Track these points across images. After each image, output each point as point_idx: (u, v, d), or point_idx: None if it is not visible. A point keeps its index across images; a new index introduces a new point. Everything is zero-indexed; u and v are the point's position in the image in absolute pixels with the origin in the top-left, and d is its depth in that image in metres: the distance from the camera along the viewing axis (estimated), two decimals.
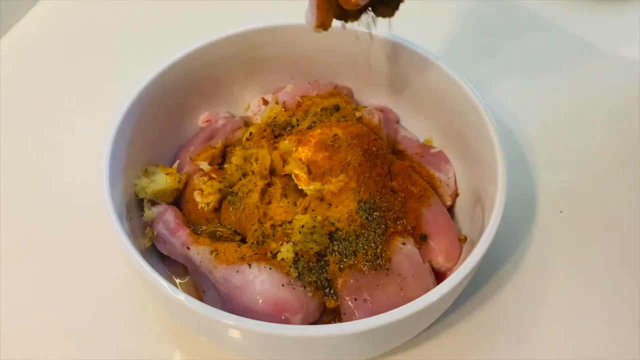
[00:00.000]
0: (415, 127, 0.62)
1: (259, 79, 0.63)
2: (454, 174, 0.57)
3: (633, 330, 0.52)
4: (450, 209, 0.56)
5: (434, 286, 0.41)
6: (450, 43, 0.78)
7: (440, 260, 0.49)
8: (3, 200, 0.61)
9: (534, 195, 0.61)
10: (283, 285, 0.45)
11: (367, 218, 0.48)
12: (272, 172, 0.53)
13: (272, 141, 0.56)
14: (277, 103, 0.60)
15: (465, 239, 0.52)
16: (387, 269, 0.46)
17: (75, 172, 0.62)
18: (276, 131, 0.56)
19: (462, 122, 0.54)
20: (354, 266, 0.45)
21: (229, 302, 0.46)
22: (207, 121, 0.61)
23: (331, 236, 0.47)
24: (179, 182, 0.54)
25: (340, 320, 0.46)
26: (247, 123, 0.60)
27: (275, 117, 0.58)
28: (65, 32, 0.81)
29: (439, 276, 0.50)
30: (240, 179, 0.53)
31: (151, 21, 0.82)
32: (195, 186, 0.53)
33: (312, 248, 0.46)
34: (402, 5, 0.45)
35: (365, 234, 0.47)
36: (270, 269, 0.45)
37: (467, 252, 0.47)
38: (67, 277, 0.55)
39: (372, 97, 0.64)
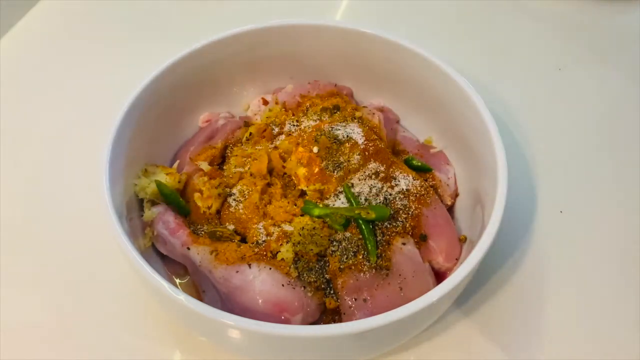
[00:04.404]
0: (415, 127, 0.62)
1: (259, 79, 0.63)
2: (454, 174, 0.57)
3: (633, 330, 0.52)
4: (450, 209, 0.56)
5: (434, 286, 0.41)
6: (451, 43, 0.78)
7: (440, 260, 0.49)
8: (3, 200, 0.61)
9: (534, 195, 0.61)
10: (283, 285, 0.45)
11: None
12: (272, 172, 0.53)
13: (271, 141, 0.56)
14: (277, 103, 0.60)
15: (465, 239, 0.52)
16: (387, 269, 0.46)
17: (76, 172, 0.62)
18: (276, 131, 0.56)
19: (462, 122, 0.54)
20: (354, 266, 0.45)
21: (229, 302, 0.46)
22: (207, 121, 0.61)
23: (331, 236, 0.47)
24: (179, 182, 0.53)
25: (340, 320, 0.46)
26: (247, 123, 0.60)
27: (275, 117, 0.58)
28: (65, 32, 0.81)
29: (439, 276, 0.50)
30: (240, 179, 0.53)
31: (151, 21, 0.82)
32: (195, 186, 0.53)
33: (312, 249, 0.46)
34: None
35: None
36: (270, 269, 0.45)
37: (467, 252, 0.47)
38: (67, 277, 0.55)
39: (372, 97, 0.64)
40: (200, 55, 0.56)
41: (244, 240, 0.50)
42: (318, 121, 0.55)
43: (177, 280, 0.52)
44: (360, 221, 0.47)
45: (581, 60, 0.76)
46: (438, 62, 0.54)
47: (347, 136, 0.52)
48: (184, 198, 0.54)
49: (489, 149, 0.49)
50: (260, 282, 0.45)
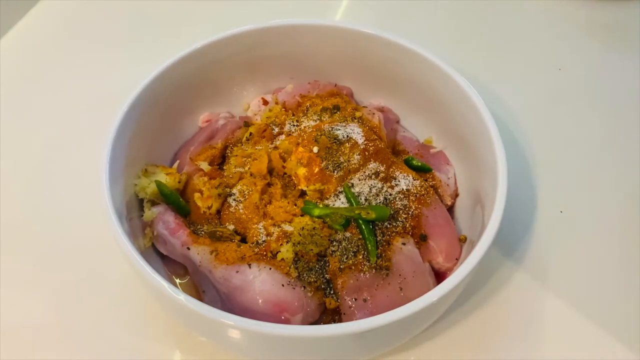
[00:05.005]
0: (415, 127, 0.62)
1: (259, 79, 0.63)
2: (454, 174, 0.57)
3: (633, 330, 0.52)
4: (450, 209, 0.56)
5: (434, 286, 0.41)
6: (451, 43, 0.78)
7: (440, 260, 0.49)
8: (3, 200, 0.61)
9: (534, 195, 0.61)
10: (283, 285, 0.45)
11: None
12: (272, 172, 0.53)
13: (271, 141, 0.56)
14: (277, 103, 0.60)
15: (465, 239, 0.52)
16: (387, 269, 0.46)
17: (75, 172, 0.62)
18: (276, 131, 0.56)
19: (462, 122, 0.54)
20: (354, 266, 0.45)
21: (229, 302, 0.46)
22: (207, 121, 0.61)
23: (331, 236, 0.47)
24: (179, 182, 0.53)
25: (340, 320, 0.46)
26: (247, 123, 0.60)
27: (275, 117, 0.58)
28: (65, 32, 0.81)
29: (439, 276, 0.50)
30: (240, 179, 0.53)
31: (151, 21, 0.82)
32: (195, 186, 0.53)
33: (312, 249, 0.46)
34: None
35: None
36: (270, 269, 0.45)
37: (467, 252, 0.47)
38: (67, 277, 0.55)
39: (372, 97, 0.64)
40: (200, 55, 0.56)
41: (244, 240, 0.50)
42: (318, 121, 0.55)
43: (177, 280, 0.52)
44: (360, 221, 0.47)
45: (581, 60, 0.76)
46: (438, 62, 0.54)
47: (347, 136, 0.52)
48: (184, 198, 0.54)
49: (489, 149, 0.49)
50: (260, 282, 0.45)
